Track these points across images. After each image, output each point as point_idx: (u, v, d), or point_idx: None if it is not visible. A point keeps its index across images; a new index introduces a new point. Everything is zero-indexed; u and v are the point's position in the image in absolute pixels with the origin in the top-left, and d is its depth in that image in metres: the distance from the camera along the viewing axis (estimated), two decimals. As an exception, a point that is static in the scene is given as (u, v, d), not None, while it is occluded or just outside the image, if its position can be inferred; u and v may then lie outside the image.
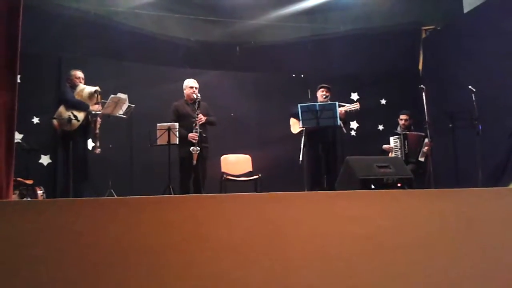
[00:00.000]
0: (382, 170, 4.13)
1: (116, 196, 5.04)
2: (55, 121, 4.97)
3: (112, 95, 5.28)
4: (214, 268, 1.80)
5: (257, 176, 6.01)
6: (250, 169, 6.32)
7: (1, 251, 1.68)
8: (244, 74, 7.46)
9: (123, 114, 5.48)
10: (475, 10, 6.34)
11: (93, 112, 5.05)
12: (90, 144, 5.34)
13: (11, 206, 1.85)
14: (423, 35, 7.56)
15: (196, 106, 5.24)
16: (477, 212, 2.10)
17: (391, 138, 5.98)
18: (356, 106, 5.61)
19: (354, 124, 7.32)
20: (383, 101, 7.41)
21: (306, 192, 4.69)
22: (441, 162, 6.30)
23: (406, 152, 5.81)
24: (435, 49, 7.16)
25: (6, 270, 1.67)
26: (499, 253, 2.03)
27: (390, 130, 6.22)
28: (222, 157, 6.27)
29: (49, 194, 5.36)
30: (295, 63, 7.51)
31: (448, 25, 7.09)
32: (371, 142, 6.53)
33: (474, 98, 5.17)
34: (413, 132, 5.94)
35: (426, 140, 5.70)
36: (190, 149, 5.13)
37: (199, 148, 5.14)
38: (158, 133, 5.26)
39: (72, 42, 6.40)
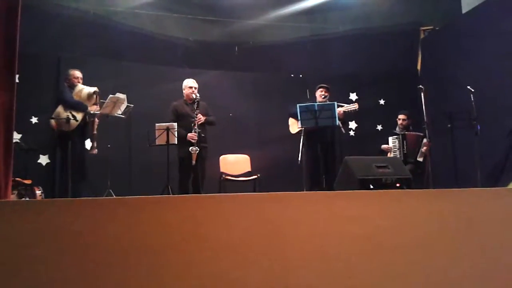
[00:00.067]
0: (380, 170, 4.13)
1: (114, 196, 5.03)
2: (52, 121, 4.96)
3: (110, 95, 5.28)
4: (213, 268, 1.80)
5: (256, 176, 6.01)
6: (249, 169, 6.32)
7: (0, 251, 1.68)
8: (243, 74, 7.46)
9: (121, 114, 5.48)
10: (474, 10, 6.35)
11: (91, 112, 5.05)
12: (88, 144, 5.33)
13: (9, 206, 1.84)
14: (422, 35, 7.56)
15: (195, 106, 5.24)
16: (476, 212, 2.11)
17: (390, 138, 5.99)
18: (354, 106, 5.62)
19: (352, 124, 7.33)
20: (382, 101, 7.42)
21: (305, 192, 4.69)
22: (440, 162, 6.31)
23: (405, 152, 5.81)
24: (433, 49, 7.17)
25: (5, 270, 1.66)
26: (498, 253, 2.03)
27: (389, 130, 6.23)
28: (221, 157, 6.26)
29: (47, 194, 5.35)
30: (294, 63, 7.52)
31: (447, 26, 7.10)
32: (369, 142, 6.53)
33: (472, 98, 5.18)
34: (411, 132, 5.94)
35: (425, 140, 5.71)
36: (189, 149, 5.13)
37: (198, 148, 5.14)
38: (157, 133, 5.26)
39: (71, 42, 6.40)
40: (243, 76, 7.43)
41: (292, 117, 5.74)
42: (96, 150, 5.04)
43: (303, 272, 1.87)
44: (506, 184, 5.08)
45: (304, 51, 7.68)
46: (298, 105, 5.28)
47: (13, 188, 4.53)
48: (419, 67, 7.51)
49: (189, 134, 5.20)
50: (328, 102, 5.48)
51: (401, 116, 6.03)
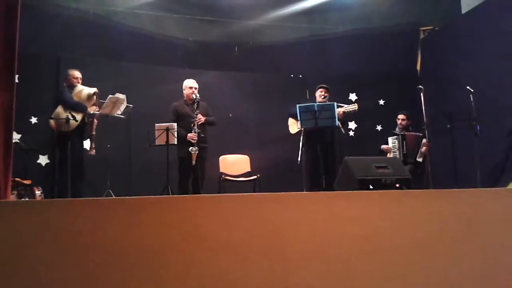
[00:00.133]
0: (380, 170, 4.13)
1: (114, 197, 5.03)
2: (52, 121, 4.95)
3: (110, 95, 5.28)
4: (213, 269, 1.80)
5: (255, 177, 6.01)
6: (249, 169, 6.32)
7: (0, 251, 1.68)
8: (242, 74, 7.46)
9: (121, 114, 5.48)
10: (473, 10, 6.35)
11: (91, 112, 5.05)
12: (87, 144, 5.33)
13: (9, 206, 1.84)
14: (422, 36, 7.57)
15: (195, 106, 5.24)
16: (476, 212, 2.11)
17: (390, 139, 5.99)
18: (354, 107, 5.62)
19: (352, 125, 7.34)
20: (381, 102, 7.42)
21: (304, 192, 4.69)
22: (440, 162, 6.32)
23: (405, 152, 5.81)
24: (433, 50, 7.17)
25: (5, 270, 1.66)
26: (498, 254, 2.03)
27: (389, 131, 6.23)
28: (221, 157, 6.26)
29: (47, 194, 5.35)
30: (293, 63, 7.52)
31: (446, 26, 7.10)
32: (369, 142, 6.53)
33: (472, 99, 5.18)
34: (411, 133, 5.94)
35: (424, 141, 5.71)
36: (189, 149, 5.13)
37: (197, 148, 5.14)
38: (157, 133, 5.26)
39: (70, 42, 6.40)
40: (243, 77, 7.43)
41: (292, 117, 5.74)
42: (94, 150, 5.04)
43: (303, 273, 1.87)
44: (506, 185, 5.08)
45: (304, 52, 7.68)
46: (297, 105, 5.28)
47: (13, 188, 4.52)
48: (418, 67, 7.51)
49: (189, 134, 5.20)
50: (328, 103, 5.47)
51: (400, 116, 6.03)
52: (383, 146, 6.01)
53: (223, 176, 6.02)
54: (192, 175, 5.25)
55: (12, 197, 4.46)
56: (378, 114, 7.25)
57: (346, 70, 7.49)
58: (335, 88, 6.08)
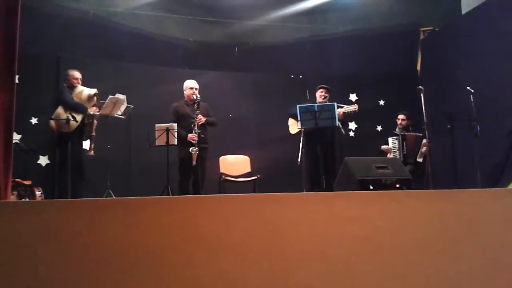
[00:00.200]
0: (380, 171, 4.13)
1: (114, 197, 5.03)
2: (52, 122, 4.95)
3: (110, 96, 5.28)
4: (213, 269, 1.80)
5: (255, 177, 6.01)
6: (249, 169, 6.32)
7: (0, 251, 1.68)
8: (243, 74, 7.46)
9: (121, 115, 5.48)
10: (473, 11, 6.35)
11: (91, 113, 5.05)
12: (86, 145, 5.32)
13: (9, 207, 1.84)
14: (422, 36, 7.57)
15: (196, 107, 5.24)
16: (476, 213, 2.11)
17: (390, 139, 5.99)
18: (354, 107, 5.61)
19: (352, 125, 7.33)
20: (382, 102, 7.42)
21: (304, 192, 4.69)
22: (440, 163, 6.31)
23: (405, 153, 5.81)
24: (433, 50, 7.17)
25: (5, 270, 1.66)
26: (498, 254, 2.03)
27: (389, 131, 6.23)
28: (221, 158, 6.27)
29: (47, 194, 5.35)
30: (294, 63, 7.52)
31: (447, 26, 7.10)
32: (369, 142, 6.53)
33: (472, 99, 5.18)
34: (411, 133, 5.94)
35: (424, 141, 5.71)
36: (190, 150, 5.13)
37: (198, 149, 5.14)
38: (157, 133, 5.26)
39: (70, 43, 6.40)
40: (243, 77, 7.43)
41: (292, 118, 5.74)
42: (93, 151, 5.05)
43: (303, 273, 1.87)
44: (506, 185, 5.08)
45: (304, 52, 7.68)
46: (298, 106, 5.28)
47: (13, 189, 4.53)
48: (418, 67, 7.51)
49: (189, 135, 5.20)
50: (328, 103, 5.47)
51: (400, 116, 6.03)
52: (383, 147, 6.01)
53: (223, 176, 6.02)
54: (193, 175, 5.25)
55: (12, 198, 4.46)
56: (378, 115, 7.25)
57: (346, 71, 7.49)
58: (335, 89, 6.08)
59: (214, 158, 6.02)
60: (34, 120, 5.90)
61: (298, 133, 5.47)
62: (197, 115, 5.22)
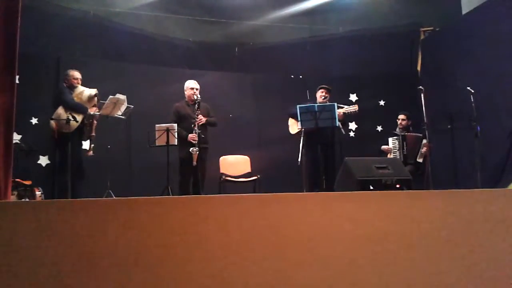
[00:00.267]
0: (380, 171, 4.13)
1: (114, 197, 5.03)
2: (53, 122, 4.95)
3: (110, 96, 5.28)
4: (213, 269, 1.80)
5: (256, 177, 6.01)
6: (249, 170, 6.32)
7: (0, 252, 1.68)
8: (242, 75, 7.47)
9: (121, 115, 5.48)
10: (474, 11, 6.34)
11: (91, 113, 5.05)
12: (85, 145, 5.33)
13: (9, 207, 1.84)
14: (422, 36, 7.57)
15: (196, 107, 5.24)
16: (476, 213, 2.11)
17: (390, 139, 5.99)
18: (354, 108, 5.61)
19: (352, 125, 7.33)
20: (382, 102, 7.42)
21: (304, 193, 4.69)
22: (440, 163, 6.31)
23: (405, 153, 5.81)
24: (433, 50, 7.17)
25: (5, 271, 1.66)
26: (498, 254, 2.03)
27: (389, 131, 6.23)
28: (221, 158, 6.27)
29: (47, 195, 5.34)
30: (294, 64, 7.53)
31: (447, 26, 7.10)
32: (369, 143, 6.53)
33: (472, 99, 5.18)
34: (411, 133, 5.94)
35: (424, 141, 5.71)
36: (190, 150, 5.13)
37: (198, 149, 5.14)
38: (157, 134, 5.26)
39: (71, 43, 6.40)
40: (243, 77, 7.43)
41: (292, 118, 5.74)
42: (92, 151, 5.05)
43: (303, 273, 1.87)
44: (506, 185, 5.08)
45: (304, 52, 7.69)
46: (298, 106, 5.28)
47: (13, 189, 4.52)
48: (419, 68, 7.51)
49: (190, 135, 5.21)
50: (328, 103, 5.47)
51: (401, 116, 6.03)
52: (384, 147, 6.01)
53: (223, 176, 6.02)
54: (193, 175, 5.25)
55: (13, 198, 4.46)
56: (379, 115, 7.25)
57: (346, 71, 7.49)
58: (335, 89, 6.08)
59: (214, 158, 6.02)
60: (34, 120, 5.89)
61: (298, 133, 5.47)
62: (197, 115, 5.22)
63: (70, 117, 4.84)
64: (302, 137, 5.30)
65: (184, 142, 5.24)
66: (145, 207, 1.86)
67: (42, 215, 1.76)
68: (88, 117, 5.07)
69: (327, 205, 2.03)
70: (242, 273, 1.83)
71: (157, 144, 5.28)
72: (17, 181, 4.81)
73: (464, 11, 6.86)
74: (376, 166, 4.16)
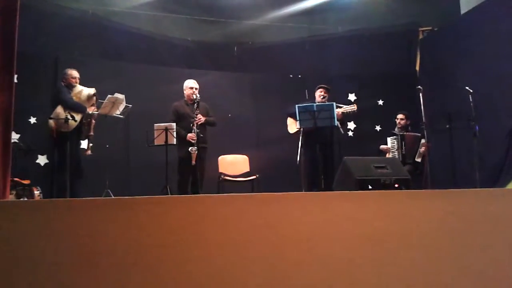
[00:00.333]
0: (379, 170, 4.14)
1: (113, 197, 5.03)
2: (51, 122, 4.95)
3: (109, 95, 5.28)
4: (212, 269, 1.80)
5: (254, 177, 6.01)
6: (248, 169, 6.32)
7: (-3, 251, 1.68)
8: (241, 74, 7.47)
9: (120, 114, 5.48)
10: (472, 11, 6.35)
11: (89, 113, 5.05)
12: (84, 144, 5.32)
13: (8, 206, 1.84)
14: (421, 36, 7.58)
15: (195, 106, 5.24)
16: (475, 213, 2.11)
17: (389, 139, 5.99)
18: (353, 107, 5.62)
19: (351, 125, 7.34)
20: (380, 102, 7.43)
21: (303, 192, 4.69)
22: (438, 162, 6.32)
23: (403, 152, 5.81)
24: (432, 50, 7.18)
25: (3, 270, 1.66)
26: (497, 254, 2.03)
27: (387, 131, 6.23)
28: (220, 158, 6.26)
29: (46, 194, 5.34)
30: (292, 63, 7.53)
31: (445, 26, 7.11)
32: (368, 142, 6.53)
33: (471, 99, 5.19)
34: (410, 133, 5.95)
35: (423, 141, 5.72)
36: (189, 149, 5.13)
37: (197, 148, 5.14)
38: (156, 133, 5.26)
39: (69, 42, 6.39)
40: (241, 77, 7.43)
41: (291, 117, 5.75)
42: (90, 151, 5.04)
43: (302, 273, 1.87)
44: (505, 185, 5.09)
45: (303, 52, 7.69)
46: (296, 105, 5.28)
47: (12, 188, 4.52)
48: (417, 67, 7.52)
49: (189, 135, 5.21)
50: (327, 103, 5.47)
51: (399, 116, 6.04)
52: (382, 146, 6.01)
53: (222, 176, 6.02)
54: (192, 175, 5.25)
55: (11, 197, 4.45)
56: (377, 114, 7.25)
57: (345, 70, 7.49)
58: (334, 88, 6.08)
59: (213, 158, 6.02)
60: (33, 120, 5.88)
61: (297, 133, 5.47)
62: (196, 114, 5.22)
63: (69, 116, 4.83)
64: (300, 137, 5.31)
65: (183, 141, 5.24)
66: (144, 207, 1.86)
67: (41, 215, 1.76)
68: (86, 117, 5.06)
69: (326, 205, 2.03)
70: (241, 273, 1.83)
71: (155, 144, 5.28)
72: (16, 180, 4.81)
73: (462, 11, 6.87)
74: (375, 165, 4.17)
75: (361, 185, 3.96)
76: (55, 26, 6.22)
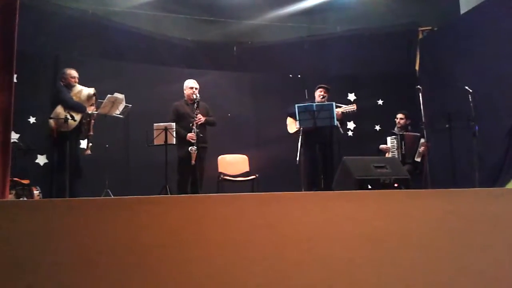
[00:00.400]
0: (379, 170, 4.14)
1: (112, 196, 5.03)
2: (52, 121, 4.94)
3: (109, 95, 5.27)
4: (212, 268, 1.80)
5: (254, 176, 6.01)
6: (247, 169, 6.32)
7: (-3, 251, 1.67)
8: (241, 74, 7.47)
9: (120, 114, 5.48)
10: (472, 11, 6.36)
11: (89, 112, 5.05)
12: (83, 144, 5.32)
13: (7, 206, 1.84)
14: (420, 36, 7.58)
15: (195, 106, 5.24)
16: (474, 212, 2.11)
17: (388, 138, 5.99)
18: (352, 107, 5.62)
19: (351, 124, 7.34)
20: (380, 102, 7.43)
21: (303, 192, 4.69)
22: (438, 162, 6.32)
23: (403, 152, 5.81)
24: (432, 50, 7.18)
25: (3, 270, 1.66)
26: (497, 254, 2.03)
27: (387, 131, 6.23)
28: (219, 157, 6.26)
29: (45, 194, 5.33)
30: (292, 63, 7.53)
31: (445, 26, 7.11)
32: (368, 142, 6.54)
33: (470, 99, 5.19)
34: (410, 133, 5.95)
35: (422, 140, 5.72)
36: (189, 149, 5.13)
37: (197, 148, 5.14)
38: (155, 133, 5.26)
39: (69, 42, 6.39)
40: (241, 76, 7.43)
41: (290, 117, 5.75)
42: (89, 151, 5.04)
43: (302, 273, 1.87)
44: (504, 185, 5.09)
45: (303, 51, 7.69)
46: (296, 105, 5.28)
47: (11, 188, 4.52)
48: (417, 67, 7.52)
49: (189, 134, 5.21)
50: (327, 102, 5.48)
51: (399, 116, 6.04)
52: (382, 146, 6.01)
53: (221, 176, 6.02)
54: (191, 175, 5.25)
55: (10, 197, 4.45)
56: (377, 114, 7.26)
57: (344, 70, 7.50)
58: (333, 88, 6.09)
59: (213, 158, 6.02)
60: (32, 119, 5.88)
61: (297, 133, 5.47)
62: (196, 114, 5.22)
63: (68, 116, 4.83)
64: (300, 136, 5.31)
65: (182, 141, 5.24)
66: (143, 207, 1.86)
67: (40, 215, 1.76)
68: (86, 116, 5.06)
69: (326, 205, 2.03)
70: (240, 273, 1.83)
71: (155, 143, 5.28)
72: (15, 180, 4.81)
73: (462, 11, 6.88)
74: (375, 165, 4.18)
75: (361, 185, 3.97)
76: (54, 26, 6.22)
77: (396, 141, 5.88)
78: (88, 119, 5.07)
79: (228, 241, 1.86)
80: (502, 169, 5.36)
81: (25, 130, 5.70)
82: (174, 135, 5.23)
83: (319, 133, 5.50)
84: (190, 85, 5.45)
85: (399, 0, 7.59)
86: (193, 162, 5.12)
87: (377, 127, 7.27)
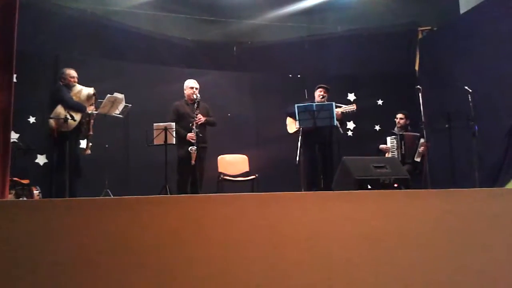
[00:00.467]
0: (378, 170, 4.14)
1: (112, 196, 5.03)
2: (52, 121, 4.94)
3: (108, 95, 5.27)
4: (211, 269, 1.80)
5: (254, 176, 6.01)
6: (247, 169, 6.32)
7: (-3, 251, 1.67)
8: (241, 74, 7.46)
9: (119, 114, 5.47)
10: (472, 11, 6.36)
11: (89, 112, 5.05)
12: (83, 144, 5.32)
13: (7, 206, 1.84)
14: (420, 36, 7.58)
15: (195, 106, 5.24)
16: (474, 212, 2.11)
17: (388, 138, 5.99)
18: (352, 107, 5.62)
19: (350, 124, 7.34)
20: (380, 102, 7.43)
21: (302, 192, 4.69)
22: (438, 162, 6.32)
23: (403, 152, 5.81)
24: (431, 50, 7.18)
25: (2, 270, 1.66)
26: (497, 254, 2.04)
27: (387, 130, 6.23)
28: (219, 157, 6.26)
29: (45, 194, 5.33)
30: (292, 63, 7.53)
31: (445, 26, 7.11)
32: (367, 142, 6.53)
33: (470, 99, 5.19)
34: (409, 133, 5.95)
35: (422, 140, 5.72)
36: (189, 149, 5.13)
37: (197, 148, 5.14)
38: (155, 133, 5.26)
39: (68, 41, 6.38)
40: (241, 76, 7.43)
41: (290, 117, 5.75)
42: (89, 151, 5.04)
43: (302, 273, 1.87)
44: (504, 185, 5.10)
45: (303, 51, 7.69)
46: (296, 105, 5.28)
47: (11, 188, 4.52)
48: (417, 67, 7.52)
49: (189, 134, 5.21)
50: (326, 102, 5.47)
51: (399, 116, 6.04)
52: (382, 146, 6.01)
53: (221, 176, 6.01)
54: (191, 175, 5.25)
55: (10, 197, 4.45)
56: (377, 114, 7.25)
57: (344, 70, 7.50)
58: (333, 88, 6.08)
59: (213, 158, 6.02)
60: (32, 119, 5.87)
61: (296, 132, 5.47)
62: (196, 114, 5.23)
63: (68, 116, 4.83)
64: (300, 136, 5.30)
65: (182, 141, 5.24)
66: (143, 206, 1.86)
67: (40, 214, 1.76)
68: (85, 116, 5.06)
69: (325, 205, 2.03)
70: (240, 272, 1.83)
71: (155, 143, 5.28)
72: (15, 180, 4.80)
73: (462, 11, 6.88)
74: (374, 165, 4.17)
75: (361, 185, 3.97)
76: (54, 25, 6.22)
77: (396, 141, 5.88)
78: (88, 119, 5.07)
79: (228, 241, 1.86)
80: (501, 169, 5.36)
81: (25, 130, 5.69)
82: (174, 135, 5.23)
83: (319, 133, 5.50)
84: (191, 85, 5.46)
85: (399, 0, 7.59)
86: (193, 162, 5.13)
87: (377, 127, 7.27)
